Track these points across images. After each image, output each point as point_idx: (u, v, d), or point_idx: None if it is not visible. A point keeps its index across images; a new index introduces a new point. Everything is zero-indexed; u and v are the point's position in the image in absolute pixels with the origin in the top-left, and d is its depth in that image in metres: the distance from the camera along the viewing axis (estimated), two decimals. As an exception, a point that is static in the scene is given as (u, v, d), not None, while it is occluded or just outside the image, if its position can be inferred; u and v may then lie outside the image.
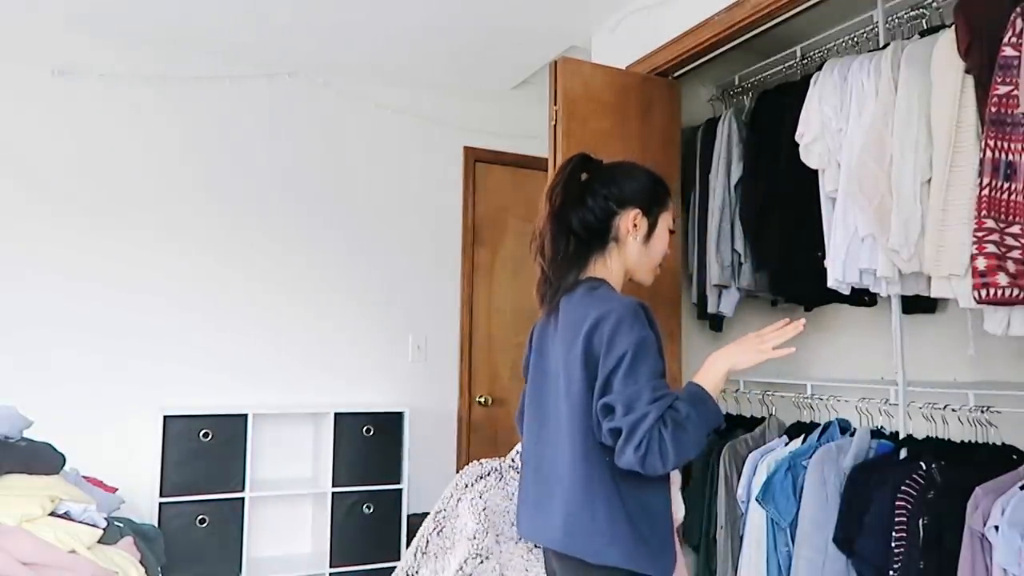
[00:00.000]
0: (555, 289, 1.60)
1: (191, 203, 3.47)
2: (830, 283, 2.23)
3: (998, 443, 2.10)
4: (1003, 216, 1.73)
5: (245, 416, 3.26)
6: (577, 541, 1.49)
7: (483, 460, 1.81)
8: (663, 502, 1.53)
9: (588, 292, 1.57)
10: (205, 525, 3.14)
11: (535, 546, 1.71)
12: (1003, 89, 1.75)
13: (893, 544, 1.93)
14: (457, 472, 3.94)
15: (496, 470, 1.77)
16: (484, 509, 1.69)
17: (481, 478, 1.75)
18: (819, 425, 2.48)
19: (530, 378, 1.71)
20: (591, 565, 1.48)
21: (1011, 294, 1.71)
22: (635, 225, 1.62)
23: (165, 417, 3.13)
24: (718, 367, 1.50)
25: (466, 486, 1.75)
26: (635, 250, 1.63)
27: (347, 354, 3.72)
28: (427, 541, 1.73)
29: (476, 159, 4.05)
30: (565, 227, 1.61)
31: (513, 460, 1.80)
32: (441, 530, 1.74)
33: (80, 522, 2.40)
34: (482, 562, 1.68)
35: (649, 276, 1.69)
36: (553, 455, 1.56)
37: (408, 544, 3.44)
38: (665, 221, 1.67)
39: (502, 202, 4.10)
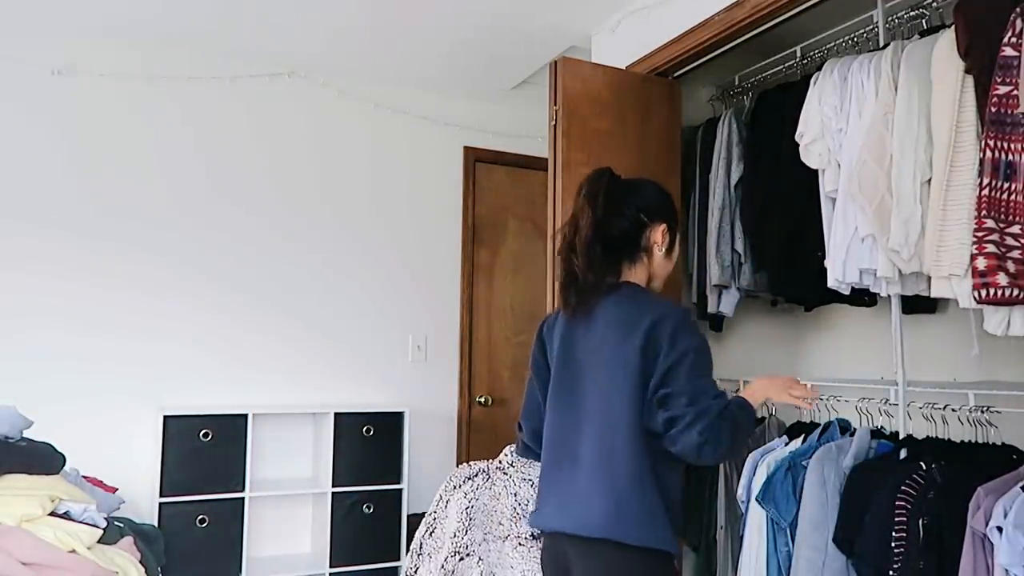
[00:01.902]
0: (588, 290, 1.70)
1: (190, 203, 3.47)
2: (830, 283, 2.23)
3: (998, 443, 2.10)
4: (1003, 216, 1.73)
5: (245, 416, 3.26)
6: (624, 525, 1.58)
7: (471, 463, 1.89)
8: (681, 489, 1.70)
9: (635, 294, 1.71)
10: (205, 525, 3.14)
11: (520, 544, 1.76)
12: (1003, 89, 1.74)
13: (893, 544, 1.93)
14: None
15: (483, 471, 1.85)
16: (467, 508, 1.78)
17: (469, 479, 1.83)
18: (819, 425, 2.47)
19: (555, 373, 1.76)
20: (628, 547, 1.57)
21: (1011, 294, 1.71)
22: (663, 238, 1.76)
23: (165, 417, 3.13)
24: (760, 393, 1.76)
25: (454, 488, 1.82)
26: (660, 261, 1.79)
27: (347, 354, 3.72)
28: (421, 544, 1.82)
29: (476, 159, 4.05)
30: (604, 234, 1.71)
31: (500, 462, 1.85)
32: (432, 532, 1.82)
33: (80, 522, 2.40)
34: (462, 559, 1.75)
35: (662, 285, 1.84)
36: (594, 444, 1.63)
37: (408, 544, 3.46)
38: (678, 237, 1.84)
39: (502, 202, 4.11)
